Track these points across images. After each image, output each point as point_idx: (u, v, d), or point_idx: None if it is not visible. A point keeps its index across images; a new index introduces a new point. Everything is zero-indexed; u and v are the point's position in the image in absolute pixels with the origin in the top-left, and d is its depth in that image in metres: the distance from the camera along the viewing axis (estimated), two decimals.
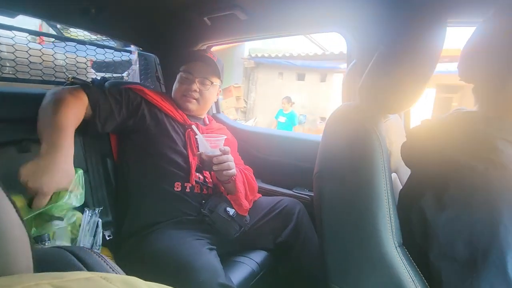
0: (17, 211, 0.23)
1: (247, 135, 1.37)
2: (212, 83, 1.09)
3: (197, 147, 0.98)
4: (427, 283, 0.51)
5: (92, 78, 1.25)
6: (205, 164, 0.92)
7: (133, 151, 0.99)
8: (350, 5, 0.85)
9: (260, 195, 1.12)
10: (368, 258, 0.54)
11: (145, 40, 1.31)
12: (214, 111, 1.51)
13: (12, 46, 0.92)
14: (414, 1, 0.66)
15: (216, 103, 1.51)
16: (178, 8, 1.03)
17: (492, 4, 0.52)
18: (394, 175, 0.75)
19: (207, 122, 1.18)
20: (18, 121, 0.88)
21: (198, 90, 1.07)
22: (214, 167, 0.90)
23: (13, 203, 0.23)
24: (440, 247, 0.50)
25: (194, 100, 1.08)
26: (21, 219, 0.23)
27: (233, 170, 0.93)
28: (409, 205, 0.57)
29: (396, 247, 0.51)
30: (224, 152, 0.91)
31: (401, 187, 0.75)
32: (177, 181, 0.94)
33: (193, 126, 0.99)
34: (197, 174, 0.98)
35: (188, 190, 0.95)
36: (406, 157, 0.63)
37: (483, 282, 0.45)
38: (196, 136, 0.96)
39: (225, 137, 0.95)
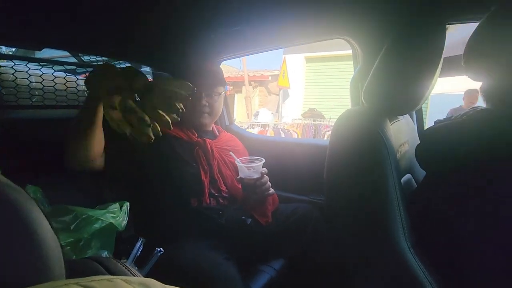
0: (50, 223, 0.26)
1: (260, 143, 1.39)
2: (219, 93, 1.09)
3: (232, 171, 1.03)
4: (444, 284, 0.50)
5: None
6: (248, 187, 0.96)
7: (145, 176, 0.99)
8: (354, 12, 0.87)
9: (278, 204, 1.13)
10: (382, 260, 0.54)
11: (157, 59, 1.38)
12: (227, 123, 1.55)
13: (40, 76, 1.00)
14: (414, 6, 0.67)
15: (228, 113, 1.55)
16: (187, 26, 1.08)
17: (490, 4, 0.52)
18: (408, 175, 0.74)
19: (217, 134, 1.18)
20: (47, 143, 0.96)
21: (207, 104, 1.06)
22: (257, 190, 0.95)
23: (46, 216, 0.27)
24: (470, 256, 0.49)
25: (206, 114, 1.08)
26: (54, 230, 0.26)
27: (272, 190, 0.99)
28: (427, 209, 0.57)
29: (409, 248, 0.51)
30: (264, 175, 0.96)
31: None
32: (193, 197, 0.96)
33: (231, 153, 1.04)
34: (211, 189, 1.00)
35: (204, 204, 0.97)
36: (422, 160, 0.63)
37: None
38: (236, 163, 0.99)
39: (263, 160, 0.97)
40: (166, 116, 0.73)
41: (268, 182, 0.98)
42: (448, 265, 0.52)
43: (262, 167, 0.97)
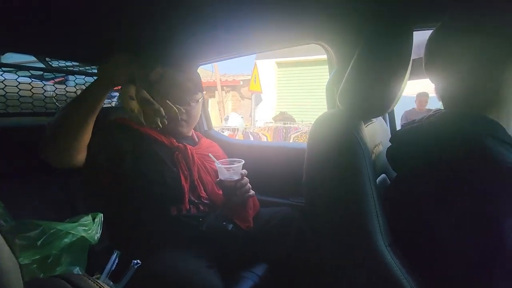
0: (9, 245, 0.24)
1: (239, 148, 1.38)
2: (197, 100, 1.07)
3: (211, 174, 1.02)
4: (420, 281, 0.52)
5: None
6: (228, 190, 0.94)
7: (123, 182, 0.95)
8: (328, 19, 0.89)
9: (258, 209, 1.13)
10: (361, 259, 0.55)
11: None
12: (206, 128, 1.53)
13: (2, 82, 0.94)
14: (383, 12, 0.70)
15: (207, 119, 1.53)
16: (162, 31, 1.06)
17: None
18: (383, 175, 0.77)
19: (196, 140, 1.16)
20: (11, 153, 0.90)
21: (184, 111, 1.02)
22: (238, 192, 0.93)
23: (5, 237, 0.24)
24: (441, 254, 0.50)
25: (184, 122, 1.05)
26: (13, 252, 0.24)
27: (253, 192, 0.97)
28: (399, 207, 0.59)
29: (386, 247, 0.53)
30: (244, 176, 0.94)
31: None
32: (173, 205, 0.94)
33: (210, 154, 1.02)
34: (191, 196, 0.98)
35: (184, 211, 0.95)
36: (392, 160, 0.65)
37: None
38: (216, 164, 0.97)
39: (243, 161, 0.95)
40: (174, 107, 0.78)
41: (248, 184, 0.97)
42: (422, 262, 0.53)
43: (242, 169, 0.96)
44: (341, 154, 0.57)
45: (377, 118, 0.82)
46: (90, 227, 0.69)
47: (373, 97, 0.62)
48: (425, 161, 0.55)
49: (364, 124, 0.67)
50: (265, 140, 4.99)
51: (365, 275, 0.55)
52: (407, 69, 0.60)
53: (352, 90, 0.64)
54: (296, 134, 5.18)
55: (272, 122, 6.17)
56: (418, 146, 0.58)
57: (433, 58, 0.59)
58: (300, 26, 0.98)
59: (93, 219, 0.73)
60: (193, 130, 1.17)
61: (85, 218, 0.71)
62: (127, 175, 0.94)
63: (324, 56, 1.04)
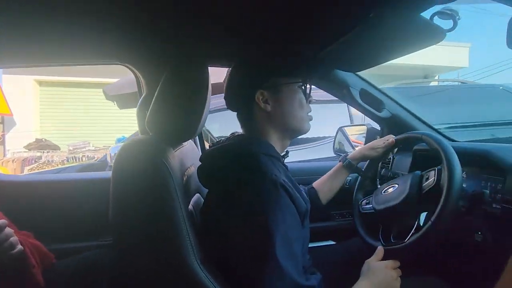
0: None
1: (20, 188, 1.04)
2: None
3: None
4: None
5: None
6: None
7: None
8: (135, 39, 0.83)
9: (54, 261, 0.88)
10: (176, 281, 0.56)
11: None
12: None
13: None
14: (183, 45, 0.77)
15: None
16: None
17: (236, 57, 0.72)
18: (198, 195, 0.82)
19: None
20: None
21: None
22: None
23: None
24: (235, 255, 0.58)
25: None
26: None
27: (20, 246, 0.71)
28: (212, 222, 0.65)
29: (199, 264, 0.56)
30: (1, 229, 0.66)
31: None
32: None
33: None
34: None
35: None
36: (200, 178, 0.72)
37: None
38: None
39: None
40: None
41: (14, 237, 0.71)
42: (227, 271, 0.60)
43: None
44: (150, 182, 0.56)
45: (187, 141, 0.87)
46: None
47: (179, 123, 0.66)
48: (219, 175, 0.65)
49: (174, 149, 0.69)
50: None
51: None
52: (206, 98, 0.68)
53: (160, 116, 0.66)
54: (32, 166, 4.43)
55: (25, 151, 4.99)
56: (216, 163, 0.68)
57: (229, 94, 0.74)
58: (99, 43, 0.87)
59: None
60: None
61: None
62: None
63: (101, 79, 0.99)
